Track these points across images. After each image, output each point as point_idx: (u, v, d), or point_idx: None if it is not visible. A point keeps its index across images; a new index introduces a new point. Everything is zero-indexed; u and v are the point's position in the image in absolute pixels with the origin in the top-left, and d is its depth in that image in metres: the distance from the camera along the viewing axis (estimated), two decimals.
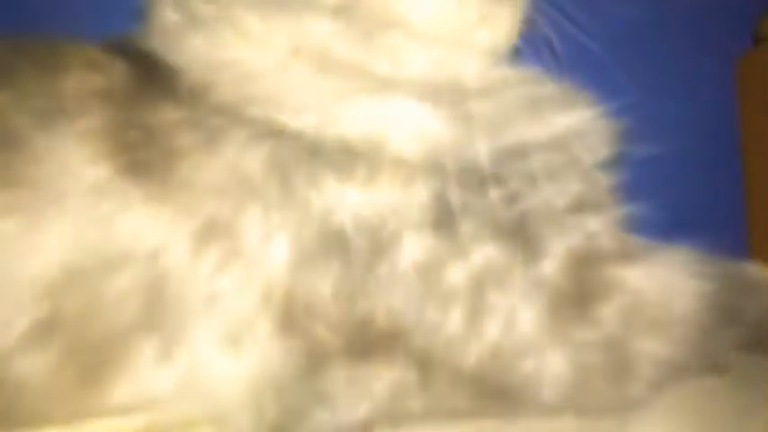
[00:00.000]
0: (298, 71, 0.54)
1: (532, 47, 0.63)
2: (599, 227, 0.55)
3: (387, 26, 0.57)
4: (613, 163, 0.59)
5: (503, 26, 0.61)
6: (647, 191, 0.59)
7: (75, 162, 0.48)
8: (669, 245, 0.57)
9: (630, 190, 0.60)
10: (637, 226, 0.59)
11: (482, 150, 0.53)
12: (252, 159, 0.50)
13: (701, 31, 0.93)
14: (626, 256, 0.54)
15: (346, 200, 0.50)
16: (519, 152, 0.54)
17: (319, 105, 0.53)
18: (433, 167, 0.52)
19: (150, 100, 0.53)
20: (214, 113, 0.52)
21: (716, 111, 0.93)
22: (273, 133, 0.51)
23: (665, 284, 0.53)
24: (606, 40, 0.67)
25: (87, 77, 0.52)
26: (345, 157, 0.51)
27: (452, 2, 0.59)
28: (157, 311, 0.46)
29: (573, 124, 0.57)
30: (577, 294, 0.51)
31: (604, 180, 0.58)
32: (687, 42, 0.93)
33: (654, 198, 0.57)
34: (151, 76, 0.55)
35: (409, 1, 0.58)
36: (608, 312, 0.50)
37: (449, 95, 0.55)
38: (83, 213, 0.47)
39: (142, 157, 0.50)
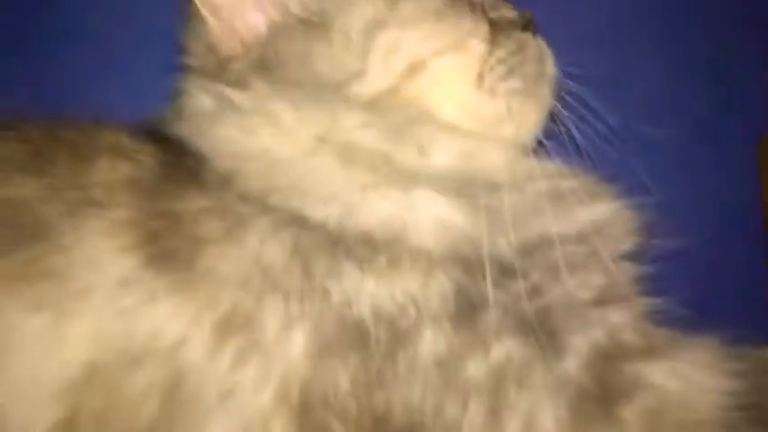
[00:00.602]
0: (324, 161, 0.55)
1: (557, 139, 0.63)
2: (623, 320, 0.54)
3: (417, 120, 0.58)
4: (637, 254, 0.59)
5: (529, 120, 0.63)
6: (671, 280, 0.59)
7: (102, 254, 0.49)
8: (695, 337, 0.56)
9: (655, 281, 0.60)
10: (662, 317, 0.58)
11: (504, 243, 0.53)
12: (274, 249, 0.51)
13: (722, 111, 0.93)
14: (650, 351, 0.53)
15: (366, 290, 0.50)
16: (542, 245, 0.54)
17: (343, 196, 0.53)
18: (455, 259, 0.52)
19: (177, 188, 0.54)
20: (239, 201, 0.53)
21: (739, 192, 0.92)
22: (296, 222, 0.52)
23: (690, 382, 0.51)
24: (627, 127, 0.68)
25: (117, 166, 0.54)
26: (366, 248, 0.51)
27: (481, 96, 0.60)
28: (175, 410, 0.46)
29: (596, 217, 0.57)
30: (600, 393, 0.50)
31: (628, 272, 0.58)
32: (708, 123, 0.93)
33: (679, 287, 0.57)
34: (179, 163, 0.56)
35: (440, 96, 0.59)
36: (631, 414, 0.49)
37: (473, 188, 0.55)
38: (108, 307, 0.47)
39: (168, 247, 0.50)
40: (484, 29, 0.62)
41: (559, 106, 0.64)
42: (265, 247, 0.51)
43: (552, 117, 0.64)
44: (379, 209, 0.53)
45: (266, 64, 0.58)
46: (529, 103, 0.62)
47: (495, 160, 0.59)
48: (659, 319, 0.58)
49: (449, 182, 0.55)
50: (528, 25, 0.65)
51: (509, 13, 0.65)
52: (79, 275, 0.48)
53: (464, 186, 0.55)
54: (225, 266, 0.50)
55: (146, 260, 0.49)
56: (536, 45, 0.65)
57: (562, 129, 0.64)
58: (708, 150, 0.89)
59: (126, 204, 0.51)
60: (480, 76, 0.60)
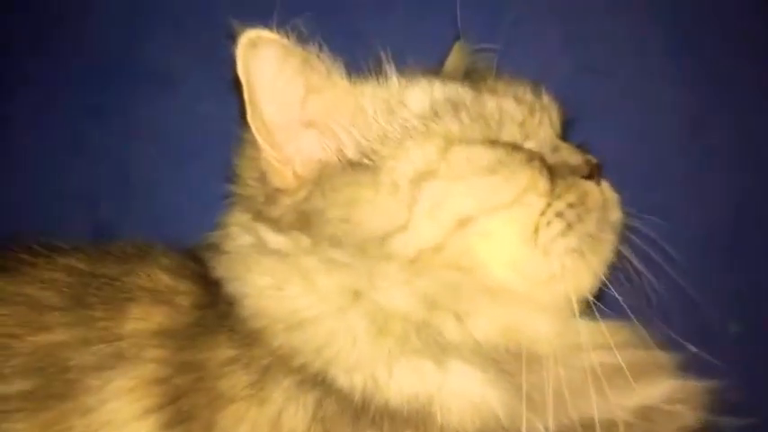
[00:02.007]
0: (352, 324, 0.51)
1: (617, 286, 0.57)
2: None
3: (459, 284, 0.53)
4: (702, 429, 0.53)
5: (586, 279, 0.56)
6: None
7: (122, 416, 0.49)
8: None
9: None
10: None
11: (543, 426, 0.48)
12: (295, 412, 0.49)
13: None
14: None
15: None
16: (588, 427, 0.49)
17: (369, 366, 0.50)
18: None
19: (209, 335, 0.53)
20: (266, 355, 0.51)
21: None
22: (320, 385, 0.50)
23: None
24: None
25: (151, 313, 0.54)
26: (391, 425, 0.48)
27: (535, 254, 0.54)
28: None
29: (656, 396, 0.51)
30: None
31: None
32: None
33: None
34: (215, 305, 0.55)
35: (489, 253, 0.54)
36: None
37: (513, 362, 0.50)
38: None
39: (188, 407, 0.50)
40: (542, 182, 0.56)
41: (624, 250, 0.58)
42: (286, 409, 0.49)
43: (614, 263, 0.58)
44: (406, 383, 0.50)
45: (310, 209, 0.55)
46: (587, 261, 0.55)
47: (540, 331, 0.53)
48: None
49: (487, 355, 0.51)
50: (593, 172, 0.59)
51: (572, 158, 0.59)
52: None
53: (503, 360, 0.51)
54: (243, 428, 0.49)
55: (164, 423, 0.49)
56: (599, 193, 0.58)
57: (625, 276, 0.58)
58: None
59: (154, 359, 0.52)
60: (535, 232, 0.54)
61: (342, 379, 0.50)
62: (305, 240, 0.55)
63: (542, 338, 0.53)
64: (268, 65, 0.53)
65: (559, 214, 0.55)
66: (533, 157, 0.57)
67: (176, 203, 0.84)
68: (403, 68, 0.59)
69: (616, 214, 0.59)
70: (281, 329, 0.52)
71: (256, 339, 0.52)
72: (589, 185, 0.58)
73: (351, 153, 0.56)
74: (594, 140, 0.63)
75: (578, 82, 0.79)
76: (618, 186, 0.60)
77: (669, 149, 0.82)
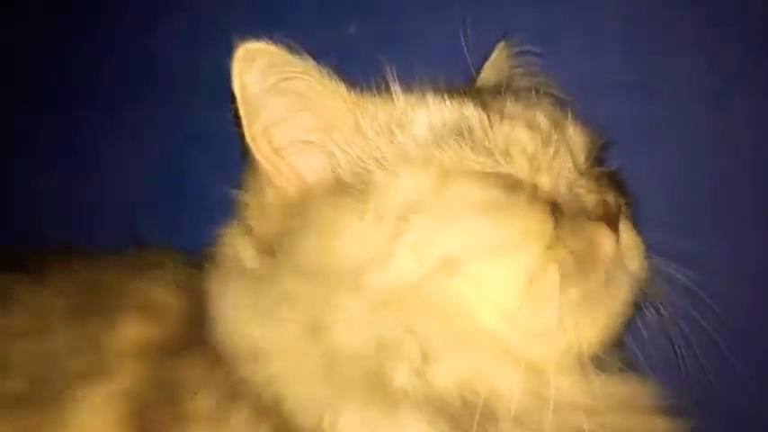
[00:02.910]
0: (307, 362, 0.49)
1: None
2: None
3: (433, 321, 0.48)
4: None
5: (585, 337, 0.49)
6: None
7: (89, 426, 0.50)
8: None
9: None
10: None
11: None
12: None
13: None
14: None
15: None
16: None
17: (319, 406, 0.48)
18: None
19: (188, 353, 0.53)
20: (231, 380, 0.50)
21: None
22: (275, 417, 0.48)
23: None
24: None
25: (138, 328, 0.55)
26: None
27: (528, 306, 0.48)
28: None
29: None
30: None
31: None
32: None
33: None
34: (201, 322, 0.54)
35: (477, 294, 0.48)
36: None
37: (469, 417, 0.46)
38: None
39: (153, 421, 0.50)
40: (542, 226, 0.49)
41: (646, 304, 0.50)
42: None
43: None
44: (353, 430, 0.46)
45: (286, 232, 0.52)
46: (591, 317, 0.49)
47: (507, 386, 0.47)
48: None
49: (442, 406, 0.46)
50: (610, 216, 0.50)
51: (587, 197, 0.51)
52: None
53: (459, 414, 0.46)
54: None
55: None
56: (610, 241, 0.50)
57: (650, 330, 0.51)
58: None
59: (131, 373, 0.52)
60: (531, 281, 0.48)
61: (295, 416, 0.48)
62: (274, 265, 0.52)
63: (507, 394, 0.47)
64: (262, 77, 0.51)
65: (560, 262, 0.48)
66: (537, 197, 0.51)
67: None
68: (415, 82, 0.55)
69: (635, 264, 0.51)
70: (242, 358, 0.51)
71: (223, 363, 0.51)
72: (600, 231, 0.50)
73: (344, 174, 0.53)
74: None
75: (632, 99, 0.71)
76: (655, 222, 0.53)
77: None
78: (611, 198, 0.51)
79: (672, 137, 0.73)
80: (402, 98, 0.54)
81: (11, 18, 0.93)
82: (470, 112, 0.53)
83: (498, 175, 0.51)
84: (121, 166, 0.90)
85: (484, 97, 0.55)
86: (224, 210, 0.60)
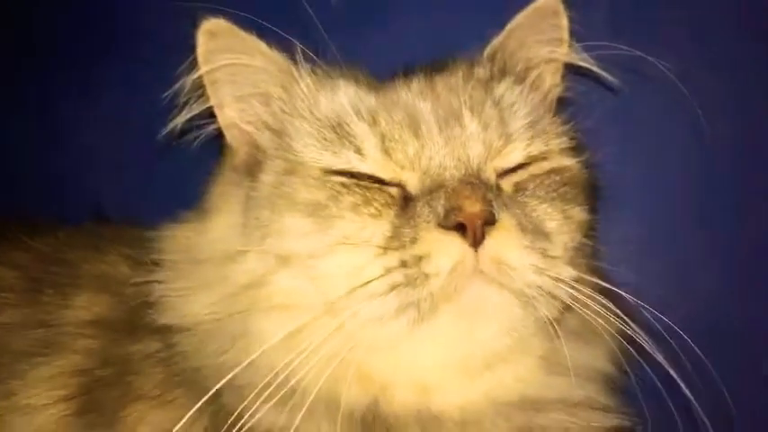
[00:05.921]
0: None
1: None
2: None
3: (291, 320, 0.49)
4: None
5: (428, 347, 0.49)
6: None
7: (38, 402, 0.51)
8: None
9: None
10: None
11: None
12: (192, 424, 0.47)
13: None
14: None
15: None
16: None
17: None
18: None
19: (141, 327, 0.53)
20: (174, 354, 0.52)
21: None
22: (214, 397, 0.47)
23: None
24: None
25: (94, 303, 0.56)
26: None
27: (354, 299, 0.47)
28: None
29: None
30: None
31: None
32: None
33: None
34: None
35: (313, 287, 0.49)
36: None
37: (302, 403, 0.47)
38: None
39: (101, 399, 0.51)
40: (367, 234, 0.47)
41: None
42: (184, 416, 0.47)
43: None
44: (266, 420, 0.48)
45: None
46: (426, 332, 0.47)
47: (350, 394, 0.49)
48: None
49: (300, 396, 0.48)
50: (473, 225, 0.44)
51: (440, 203, 0.46)
52: (12, 421, 0.51)
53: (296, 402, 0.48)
54: (142, 429, 0.50)
55: (74, 411, 0.51)
56: (455, 254, 0.44)
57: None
58: None
59: (82, 349, 0.53)
60: (362, 282, 0.46)
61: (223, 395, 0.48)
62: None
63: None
64: (223, 46, 0.54)
65: (388, 270, 0.45)
66: (375, 199, 0.48)
67: None
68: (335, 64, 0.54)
69: (505, 278, 0.45)
70: (177, 332, 0.52)
71: (167, 338, 0.52)
72: (444, 241, 0.45)
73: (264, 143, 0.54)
74: None
75: None
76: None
77: None
78: (476, 207, 0.45)
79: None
80: (310, 80, 0.54)
81: None
82: (364, 98, 0.52)
83: (345, 173, 0.50)
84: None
85: (395, 83, 0.53)
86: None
